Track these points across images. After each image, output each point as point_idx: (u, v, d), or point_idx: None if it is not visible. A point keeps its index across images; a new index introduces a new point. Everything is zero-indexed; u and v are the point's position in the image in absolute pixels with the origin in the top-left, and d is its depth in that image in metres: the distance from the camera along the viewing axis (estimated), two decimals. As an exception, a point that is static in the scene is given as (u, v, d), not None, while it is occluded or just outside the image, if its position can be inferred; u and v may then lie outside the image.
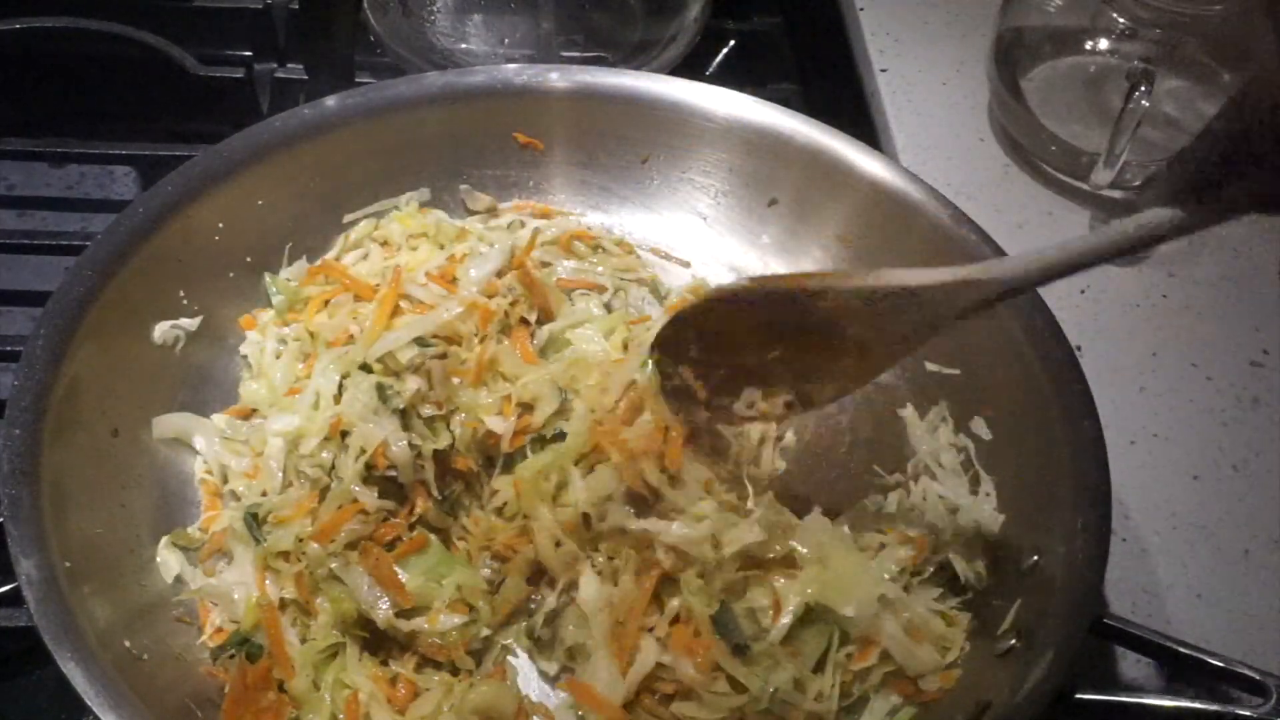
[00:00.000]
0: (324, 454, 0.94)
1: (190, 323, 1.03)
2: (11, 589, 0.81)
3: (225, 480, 0.98)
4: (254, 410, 1.02)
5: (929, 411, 1.05)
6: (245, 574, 0.92)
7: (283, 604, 0.91)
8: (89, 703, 0.76)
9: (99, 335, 0.94)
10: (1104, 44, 1.31)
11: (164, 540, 0.94)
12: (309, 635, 0.90)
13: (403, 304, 1.04)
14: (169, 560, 0.93)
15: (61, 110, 1.34)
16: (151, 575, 0.92)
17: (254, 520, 0.93)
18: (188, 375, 1.02)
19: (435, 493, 0.95)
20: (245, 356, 1.06)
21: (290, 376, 1.02)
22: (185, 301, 1.03)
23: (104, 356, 0.95)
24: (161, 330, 1.01)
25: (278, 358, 1.04)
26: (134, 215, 0.99)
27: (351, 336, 1.02)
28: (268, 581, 0.91)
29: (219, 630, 0.90)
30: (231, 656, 0.88)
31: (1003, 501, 0.98)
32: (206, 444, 0.99)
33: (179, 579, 0.93)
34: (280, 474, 0.96)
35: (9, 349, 1.05)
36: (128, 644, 0.84)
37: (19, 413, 0.87)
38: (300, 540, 0.91)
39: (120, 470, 0.95)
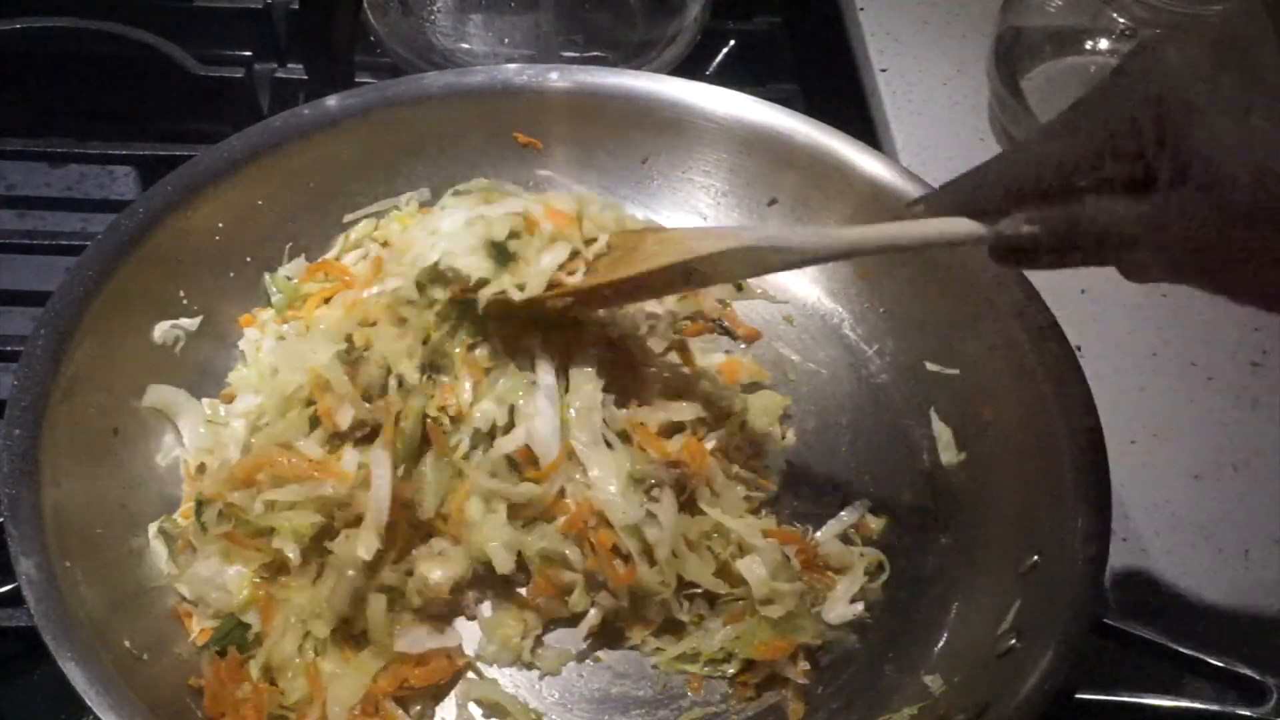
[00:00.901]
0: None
1: (190, 323, 1.03)
2: (11, 589, 0.81)
3: (204, 469, 0.98)
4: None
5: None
6: (211, 565, 0.91)
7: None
8: (89, 703, 0.76)
9: (99, 335, 0.94)
10: (1104, 44, 1.30)
11: (152, 529, 0.94)
12: (291, 618, 0.90)
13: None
14: (159, 550, 0.93)
15: (61, 110, 1.34)
16: (152, 575, 0.92)
17: (201, 506, 0.92)
18: (188, 375, 1.02)
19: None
20: (242, 351, 1.05)
21: (281, 365, 1.01)
22: (185, 301, 1.03)
23: (104, 356, 0.95)
24: (161, 330, 1.01)
25: (274, 351, 1.04)
26: (134, 215, 0.99)
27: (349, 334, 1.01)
28: (237, 566, 0.91)
29: (204, 631, 0.90)
30: (220, 653, 0.88)
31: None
32: (190, 429, 0.99)
33: (168, 574, 0.92)
34: (237, 454, 0.95)
35: (9, 349, 1.05)
36: (128, 644, 0.84)
37: (19, 413, 0.87)
38: (230, 504, 0.90)
39: (120, 470, 0.95)
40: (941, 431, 1.05)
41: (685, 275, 0.88)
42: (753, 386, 1.09)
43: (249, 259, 1.08)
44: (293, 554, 0.89)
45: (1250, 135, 0.62)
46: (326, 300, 1.06)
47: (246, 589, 0.90)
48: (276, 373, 0.97)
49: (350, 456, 0.92)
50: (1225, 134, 0.63)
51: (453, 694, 0.91)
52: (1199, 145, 0.63)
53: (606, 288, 0.91)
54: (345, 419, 0.92)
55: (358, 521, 0.90)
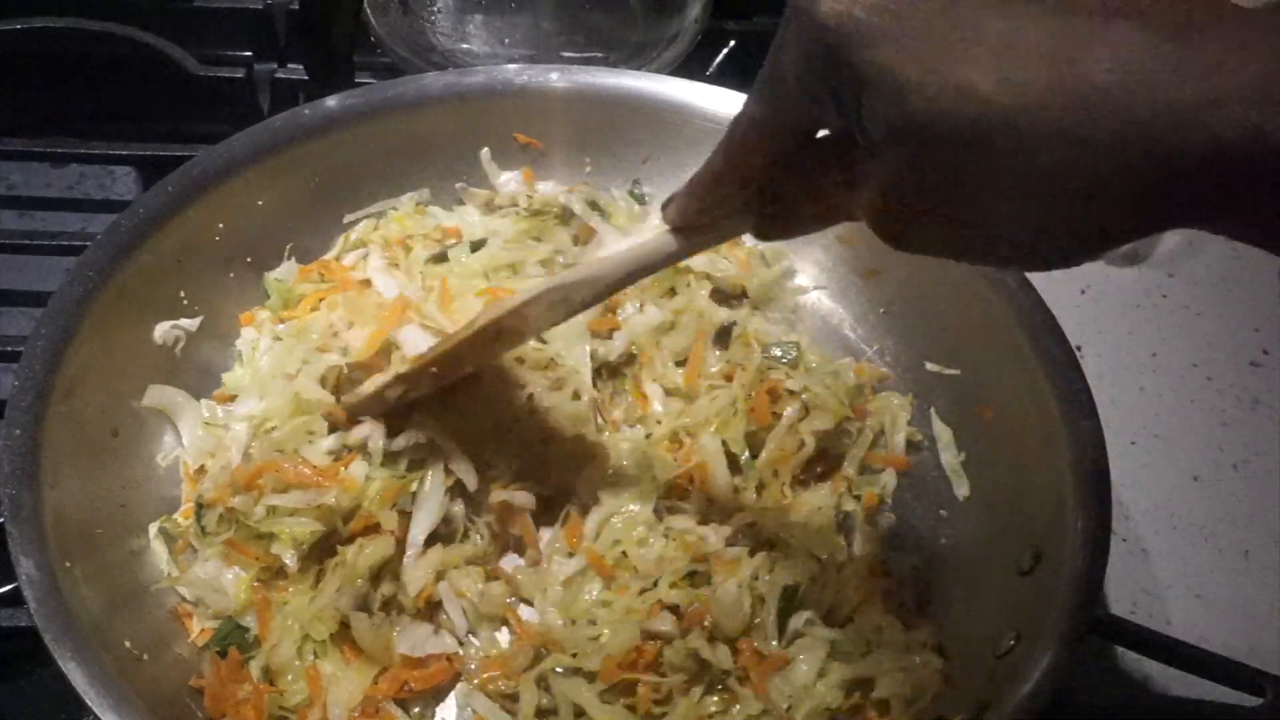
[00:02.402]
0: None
1: (191, 323, 1.03)
2: (11, 589, 0.81)
3: (203, 470, 0.98)
4: (237, 396, 1.02)
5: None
6: (210, 567, 0.91)
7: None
8: (89, 703, 0.76)
9: (99, 335, 0.94)
10: (1104, 44, 1.30)
11: (153, 529, 0.94)
12: (289, 621, 0.90)
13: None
14: (159, 550, 0.93)
15: (61, 110, 1.34)
16: (152, 575, 0.92)
17: (202, 509, 0.92)
18: (188, 375, 1.02)
19: None
20: (239, 351, 1.05)
21: (277, 369, 1.01)
22: (185, 302, 1.03)
23: (104, 357, 0.94)
24: (162, 330, 1.01)
25: (269, 351, 1.04)
26: (134, 215, 0.99)
27: (337, 333, 1.02)
28: (235, 569, 0.91)
29: (204, 631, 0.90)
30: (220, 653, 0.88)
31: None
32: (190, 430, 0.99)
33: (169, 575, 0.92)
34: (239, 458, 0.95)
35: (9, 349, 1.05)
36: (128, 644, 0.84)
37: (19, 413, 0.87)
38: (231, 509, 0.90)
39: (120, 470, 0.95)
40: (941, 431, 1.05)
41: (496, 334, 0.87)
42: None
43: (249, 259, 1.08)
44: (291, 561, 0.89)
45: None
46: (321, 300, 1.06)
47: (245, 592, 0.90)
48: (292, 376, 0.97)
49: (358, 466, 0.92)
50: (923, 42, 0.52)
51: (453, 694, 0.91)
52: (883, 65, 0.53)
53: (433, 362, 0.90)
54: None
55: (365, 530, 0.90)
